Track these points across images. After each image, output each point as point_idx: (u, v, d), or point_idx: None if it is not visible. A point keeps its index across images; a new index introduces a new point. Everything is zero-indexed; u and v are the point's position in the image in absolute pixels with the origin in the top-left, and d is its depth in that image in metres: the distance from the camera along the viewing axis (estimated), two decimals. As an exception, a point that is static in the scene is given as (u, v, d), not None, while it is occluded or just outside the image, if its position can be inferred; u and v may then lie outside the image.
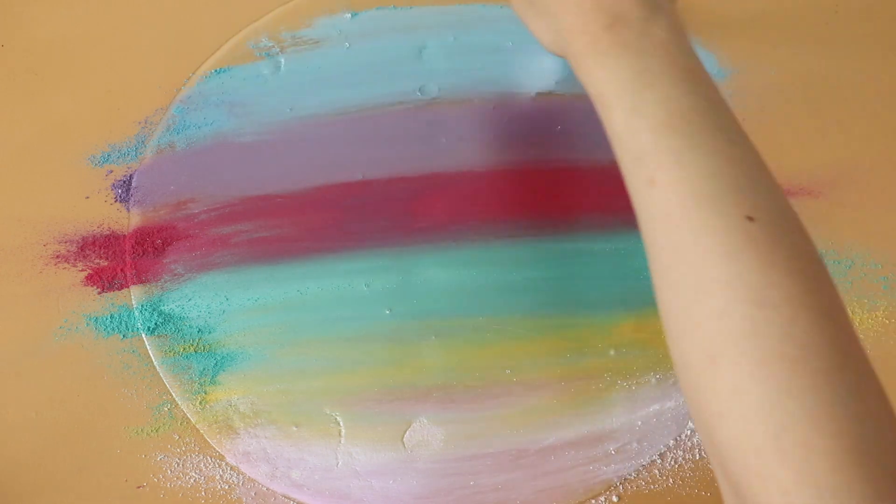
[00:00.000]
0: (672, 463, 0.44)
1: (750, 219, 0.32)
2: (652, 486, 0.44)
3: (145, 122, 0.49)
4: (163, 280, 0.46)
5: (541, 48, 0.50)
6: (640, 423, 0.44)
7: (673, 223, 0.33)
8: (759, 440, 0.29)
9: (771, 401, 0.29)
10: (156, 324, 0.45)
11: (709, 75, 0.37)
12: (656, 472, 0.44)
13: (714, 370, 0.30)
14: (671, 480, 0.44)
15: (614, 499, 0.44)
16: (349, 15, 0.51)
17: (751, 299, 0.30)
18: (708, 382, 0.30)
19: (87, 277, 0.46)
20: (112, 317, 0.45)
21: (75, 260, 0.46)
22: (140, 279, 0.46)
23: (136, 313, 0.45)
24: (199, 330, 0.45)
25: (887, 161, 0.50)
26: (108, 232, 0.47)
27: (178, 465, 0.43)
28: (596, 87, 0.36)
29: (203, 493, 0.43)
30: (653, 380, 0.45)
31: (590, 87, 0.37)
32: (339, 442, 0.44)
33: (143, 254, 0.46)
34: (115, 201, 0.48)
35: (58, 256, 0.46)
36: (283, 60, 0.50)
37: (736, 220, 0.32)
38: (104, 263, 0.46)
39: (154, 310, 0.45)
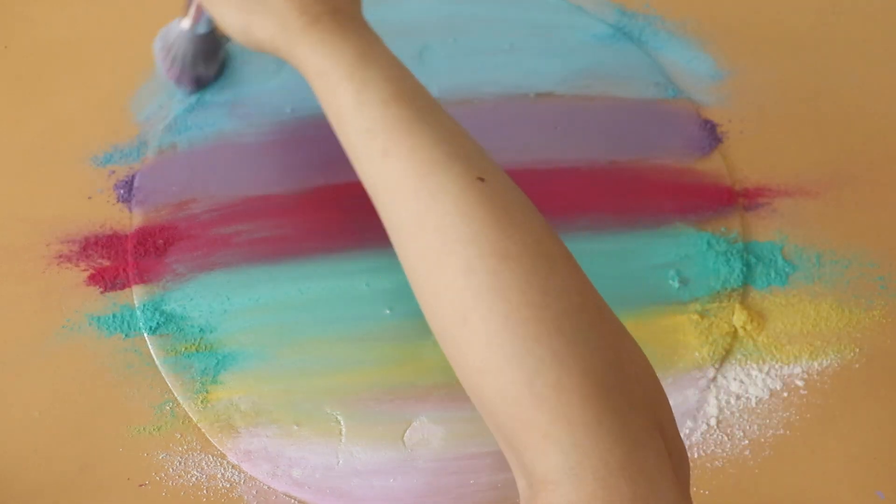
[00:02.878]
0: (671, 461, 0.44)
1: (481, 179, 0.33)
2: (651, 485, 0.44)
3: (147, 123, 0.49)
4: (164, 280, 0.46)
5: (541, 49, 0.51)
6: (638, 421, 0.45)
7: (410, 190, 0.34)
8: (516, 389, 0.30)
9: (522, 349, 0.30)
10: (158, 323, 0.45)
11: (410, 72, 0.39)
12: (655, 470, 0.44)
13: (468, 327, 0.31)
14: (670, 479, 0.44)
15: (613, 497, 0.44)
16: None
17: (493, 253, 0.31)
18: (464, 340, 0.31)
19: (89, 277, 0.46)
20: (114, 316, 0.46)
21: (78, 260, 0.47)
22: (142, 279, 0.46)
23: (139, 313, 0.46)
24: (201, 329, 0.45)
25: (884, 161, 0.50)
26: (110, 232, 0.47)
27: (179, 463, 0.43)
28: (318, 65, 0.37)
29: (205, 492, 0.43)
30: (651, 379, 0.45)
31: (309, 66, 0.38)
32: (340, 441, 0.44)
33: (145, 254, 0.47)
34: (118, 201, 0.48)
35: (60, 256, 0.47)
36: (283, 61, 0.50)
37: (469, 180, 0.33)
38: (106, 263, 0.47)
39: (156, 309, 0.46)
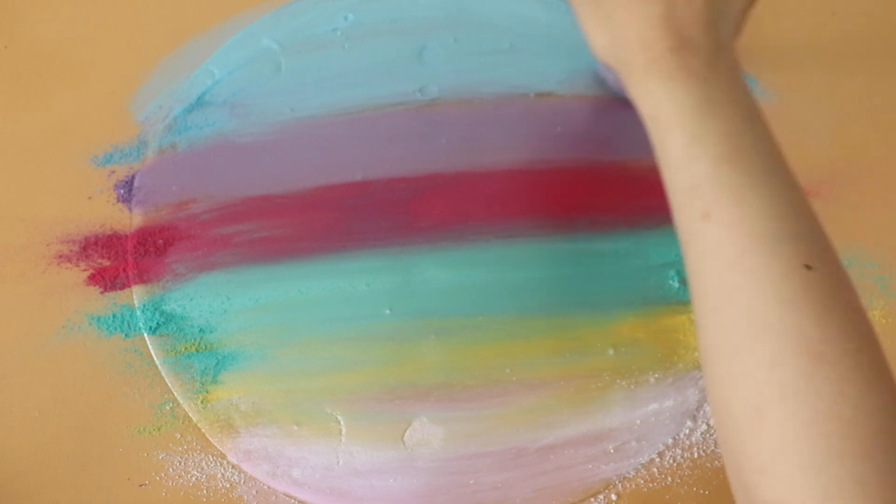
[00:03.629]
0: (671, 461, 0.44)
1: (808, 267, 0.30)
2: (651, 485, 0.44)
3: (147, 123, 0.49)
4: (164, 280, 0.46)
5: (541, 49, 0.51)
6: (639, 421, 0.45)
7: (726, 262, 0.31)
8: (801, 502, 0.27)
9: (819, 463, 0.27)
10: (158, 323, 0.45)
11: (765, 117, 0.36)
12: (655, 470, 0.44)
13: (760, 424, 0.28)
14: (670, 479, 0.44)
15: (613, 497, 0.44)
16: (350, 16, 0.51)
17: (806, 351, 0.28)
18: (752, 436, 0.29)
19: (89, 277, 0.46)
20: (114, 316, 0.46)
21: (78, 260, 0.47)
22: (142, 279, 0.46)
23: (138, 313, 0.46)
24: (201, 329, 0.45)
25: (885, 161, 0.50)
26: (110, 232, 0.47)
27: (179, 463, 0.43)
28: (654, 107, 0.35)
29: (205, 492, 0.43)
30: (652, 379, 0.45)
31: (645, 107, 0.36)
32: (340, 441, 0.44)
33: (145, 254, 0.47)
34: (118, 201, 0.48)
35: (60, 256, 0.47)
36: (283, 61, 0.50)
37: (794, 266, 0.30)
38: (106, 263, 0.47)
39: (156, 309, 0.46)
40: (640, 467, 0.44)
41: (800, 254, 0.31)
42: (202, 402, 0.44)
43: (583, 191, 0.48)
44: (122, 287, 0.46)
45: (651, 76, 0.35)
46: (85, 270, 0.46)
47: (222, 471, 0.43)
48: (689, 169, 0.33)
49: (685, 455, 0.44)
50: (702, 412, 0.45)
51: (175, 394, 0.44)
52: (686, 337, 0.46)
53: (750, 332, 0.29)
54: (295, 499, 0.43)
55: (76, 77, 0.50)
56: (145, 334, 0.45)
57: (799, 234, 0.31)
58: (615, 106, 0.50)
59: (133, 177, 0.48)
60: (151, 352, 0.45)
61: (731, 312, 0.30)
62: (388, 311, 0.46)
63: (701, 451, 0.44)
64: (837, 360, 0.28)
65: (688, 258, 0.34)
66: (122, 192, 0.48)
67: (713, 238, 0.32)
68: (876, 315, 0.47)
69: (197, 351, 0.45)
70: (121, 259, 0.47)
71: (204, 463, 0.43)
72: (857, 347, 0.29)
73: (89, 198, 0.48)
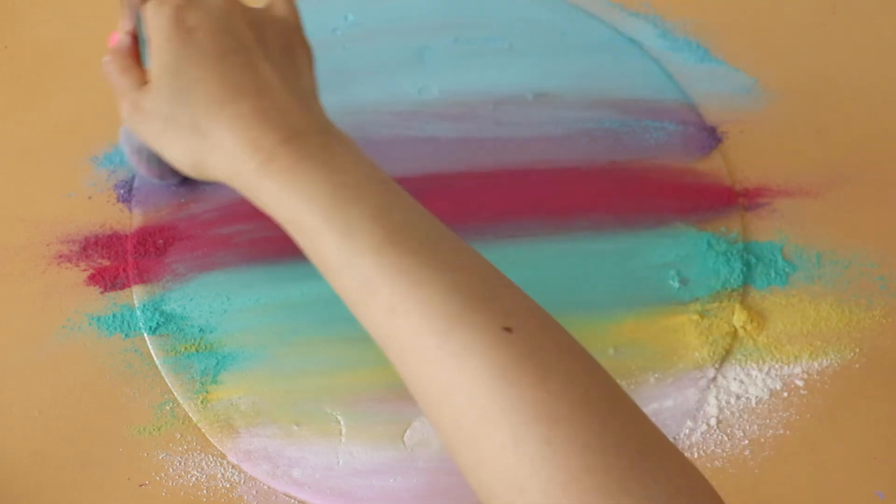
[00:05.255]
0: (671, 461, 0.44)
1: (508, 329, 0.29)
2: (651, 485, 0.44)
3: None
4: (164, 280, 0.46)
5: (541, 49, 0.51)
6: (638, 421, 0.45)
7: (429, 352, 0.29)
8: None
9: None
10: (158, 323, 0.45)
11: (399, 186, 0.33)
12: (655, 470, 0.44)
13: (525, 498, 0.27)
14: (670, 479, 0.44)
15: (613, 497, 0.44)
16: (350, 16, 0.51)
17: (540, 419, 0.27)
18: None
19: (89, 277, 0.46)
20: (114, 316, 0.46)
21: (78, 260, 0.47)
22: (142, 279, 0.46)
23: (138, 313, 0.46)
24: (201, 329, 0.45)
25: (885, 161, 0.50)
26: (110, 232, 0.47)
27: (179, 463, 0.43)
28: (288, 212, 0.32)
29: (205, 492, 0.43)
30: (651, 379, 0.45)
31: (278, 214, 0.33)
32: (340, 441, 0.44)
33: (145, 254, 0.47)
34: (118, 201, 0.48)
35: (60, 256, 0.47)
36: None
37: (495, 334, 0.28)
38: (106, 263, 0.47)
39: (156, 309, 0.46)
40: (640, 467, 0.44)
41: (496, 318, 0.29)
42: (202, 402, 0.44)
43: (583, 191, 0.48)
44: (122, 287, 0.46)
45: (271, 180, 0.32)
46: (85, 270, 0.46)
47: (222, 471, 0.43)
48: (353, 266, 0.31)
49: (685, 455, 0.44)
50: (702, 412, 0.45)
51: (175, 394, 0.44)
52: (686, 337, 0.46)
53: (481, 417, 0.28)
54: (295, 499, 0.43)
55: (76, 77, 0.50)
56: (145, 334, 0.45)
57: (487, 298, 0.30)
58: (615, 106, 0.50)
59: (133, 177, 0.48)
60: (151, 352, 0.45)
61: (454, 402, 0.29)
62: (388, 311, 0.46)
63: (701, 452, 0.44)
64: (570, 415, 0.27)
65: (390, 355, 0.31)
66: (122, 192, 0.48)
67: (405, 330, 0.30)
68: (876, 315, 0.47)
69: (197, 351, 0.45)
70: (121, 259, 0.47)
71: (204, 463, 0.43)
72: (584, 391, 0.28)
73: (89, 198, 0.48)
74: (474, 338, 0.28)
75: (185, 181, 0.47)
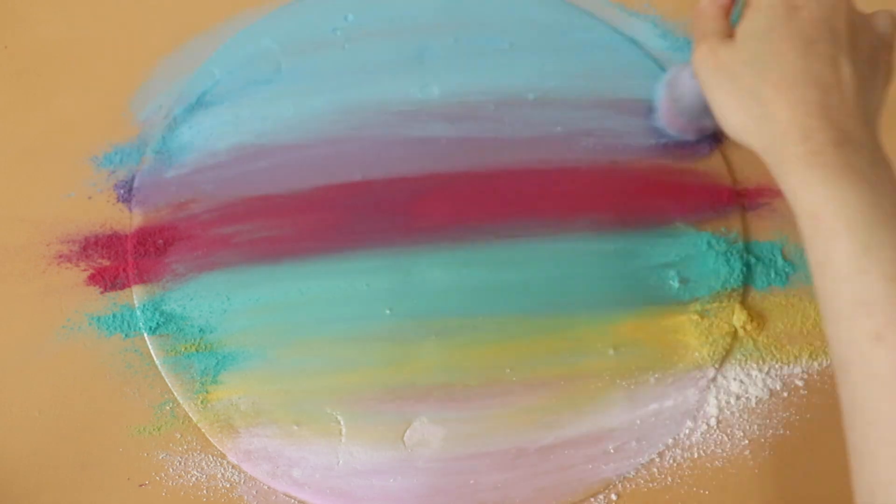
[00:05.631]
0: (671, 461, 0.44)
1: None
2: (651, 485, 0.44)
3: (147, 123, 0.49)
4: (164, 280, 0.46)
5: (541, 49, 0.51)
6: (639, 422, 0.45)
7: None
8: None
9: None
10: (157, 323, 0.45)
11: None
12: (655, 470, 0.44)
13: None
14: (670, 479, 0.44)
15: (613, 497, 0.44)
16: (350, 16, 0.51)
17: None
18: None
19: (89, 277, 0.46)
20: (114, 316, 0.46)
21: (78, 260, 0.47)
22: (142, 279, 0.46)
23: (138, 313, 0.46)
24: (201, 329, 0.45)
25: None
26: (110, 232, 0.47)
27: (179, 463, 0.43)
28: (816, 205, 0.32)
29: (205, 492, 0.43)
30: (651, 379, 0.45)
31: (803, 202, 0.33)
32: (340, 441, 0.44)
33: (145, 254, 0.47)
34: (118, 201, 0.48)
35: (61, 256, 0.47)
36: (283, 61, 0.50)
37: None
38: (106, 263, 0.47)
39: (156, 309, 0.46)
40: (640, 467, 0.44)
41: None
42: (202, 402, 0.44)
43: (583, 191, 0.48)
44: (122, 287, 0.46)
45: (813, 170, 0.32)
46: (85, 270, 0.46)
47: (222, 471, 0.43)
48: (857, 282, 0.30)
49: (685, 455, 0.44)
50: (702, 412, 0.45)
51: (175, 394, 0.44)
52: (686, 337, 0.46)
53: None
54: (295, 499, 0.43)
55: (76, 77, 0.50)
56: (145, 334, 0.45)
57: None
58: (615, 106, 0.50)
59: (133, 177, 0.48)
60: (151, 352, 0.45)
61: None
62: (387, 312, 0.46)
63: (701, 452, 0.44)
64: None
65: (847, 379, 0.31)
66: (122, 192, 0.48)
67: (885, 361, 0.29)
68: (876, 315, 0.47)
69: (197, 351, 0.45)
70: (121, 259, 0.47)
71: (204, 463, 0.43)
72: None
73: (89, 198, 0.48)
74: None
75: (698, 139, 0.48)
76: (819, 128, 0.33)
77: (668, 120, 0.47)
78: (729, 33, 0.38)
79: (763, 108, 0.35)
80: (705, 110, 0.43)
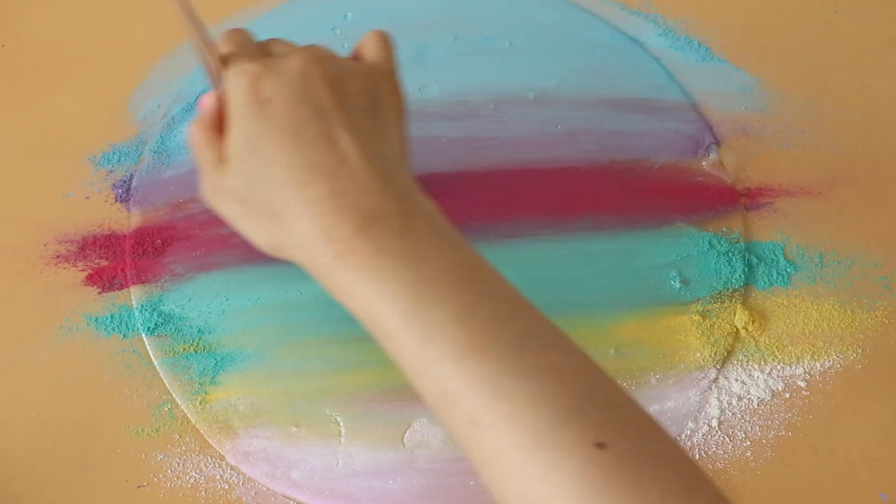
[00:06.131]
0: (672, 463, 0.44)
1: (601, 446, 0.26)
2: (652, 486, 0.44)
3: (145, 123, 0.49)
4: (163, 280, 0.46)
5: (541, 49, 0.51)
6: (639, 423, 0.44)
7: (515, 469, 0.27)
8: None
9: None
10: (156, 324, 0.45)
11: (490, 265, 0.31)
12: (656, 472, 0.44)
13: None
14: (671, 480, 0.44)
15: (614, 499, 0.44)
16: (350, 15, 0.51)
17: None
18: None
19: (87, 277, 0.46)
20: (112, 317, 0.45)
21: (76, 260, 0.46)
22: (140, 279, 0.46)
23: (137, 313, 0.45)
24: (199, 330, 0.45)
25: (887, 161, 0.50)
26: (108, 232, 0.47)
27: (178, 464, 0.43)
28: (365, 311, 0.30)
29: (203, 493, 0.43)
30: (652, 380, 0.45)
31: (354, 309, 0.31)
32: (340, 442, 0.44)
33: (144, 254, 0.46)
34: (116, 201, 0.48)
35: (58, 256, 0.46)
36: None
37: (587, 451, 0.26)
38: (104, 263, 0.46)
39: (154, 310, 0.45)
40: (641, 469, 0.44)
41: (587, 432, 0.27)
42: (201, 403, 0.44)
43: (583, 191, 0.48)
44: (120, 287, 0.46)
45: (346, 273, 0.30)
46: (83, 270, 0.46)
47: (221, 472, 0.43)
48: (432, 374, 0.29)
49: (686, 456, 0.44)
50: (703, 413, 0.45)
51: (173, 395, 0.44)
52: (687, 338, 0.46)
53: None
54: (294, 500, 0.43)
55: (74, 77, 0.50)
56: (143, 335, 0.45)
57: (581, 410, 0.27)
58: (615, 105, 0.50)
59: (131, 177, 0.48)
60: (150, 352, 0.45)
61: None
62: (387, 312, 0.45)
63: (702, 453, 0.44)
64: None
65: (472, 464, 0.29)
66: (120, 191, 0.48)
67: (490, 445, 0.28)
68: (879, 316, 0.46)
69: (195, 352, 0.45)
70: (119, 259, 0.46)
71: (202, 464, 0.43)
72: None
73: (87, 198, 0.48)
74: (564, 455, 0.26)
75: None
76: (336, 224, 0.30)
77: None
78: (225, 157, 0.34)
79: (281, 224, 0.32)
80: None
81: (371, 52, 0.36)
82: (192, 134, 0.35)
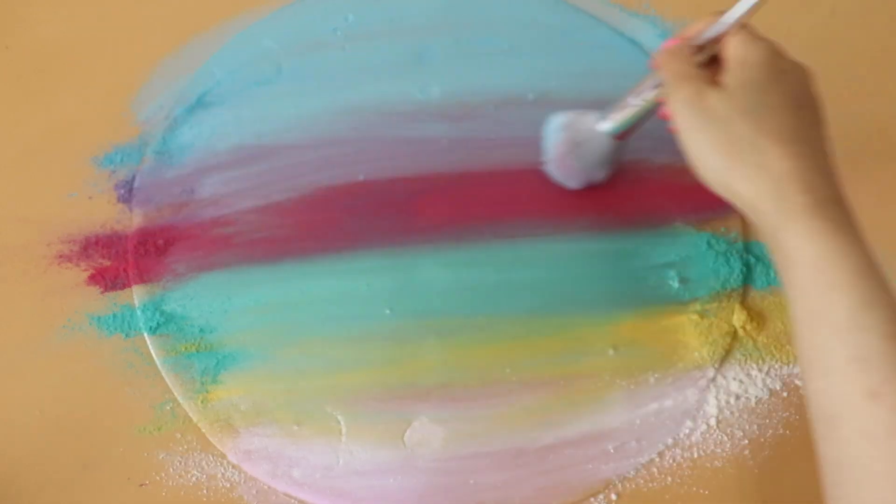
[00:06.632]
0: (670, 461, 0.44)
1: None
2: (650, 485, 0.44)
3: (148, 123, 0.49)
4: (165, 280, 0.46)
5: (541, 49, 0.51)
6: (638, 421, 0.45)
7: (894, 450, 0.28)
8: None
9: None
10: (158, 323, 0.45)
11: None
12: (655, 470, 0.44)
13: None
14: (669, 479, 0.44)
15: (613, 497, 0.44)
16: (350, 16, 0.51)
17: None
18: None
19: (90, 277, 0.46)
20: (115, 316, 0.46)
21: (78, 260, 0.47)
22: (142, 279, 0.46)
23: (139, 313, 0.46)
24: (201, 329, 0.45)
25: (885, 161, 0.50)
26: (110, 232, 0.47)
27: (180, 463, 0.43)
28: (818, 256, 0.32)
29: (205, 492, 0.43)
30: (651, 379, 0.45)
31: (802, 251, 0.32)
32: (340, 441, 0.44)
33: (146, 253, 0.47)
34: (118, 201, 0.48)
35: (61, 256, 0.47)
36: (283, 61, 0.50)
37: None
38: (107, 263, 0.47)
39: (156, 309, 0.46)
40: (640, 467, 0.44)
41: None
42: (202, 401, 0.44)
43: (583, 191, 0.48)
44: (123, 287, 0.46)
45: (816, 222, 0.32)
46: (85, 270, 0.46)
47: (222, 471, 0.43)
48: (855, 338, 0.30)
49: (685, 455, 0.44)
50: (702, 412, 0.45)
51: (175, 394, 0.44)
52: (686, 337, 0.46)
53: None
54: (295, 499, 0.43)
55: (77, 77, 0.50)
56: (146, 334, 0.45)
57: None
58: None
59: (134, 177, 0.48)
60: (152, 352, 0.45)
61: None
62: (388, 311, 0.46)
63: (701, 451, 0.44)
64: None
65: (835, 435, 0.30)
66: (122, 192, 0.48)
67: (878, 419, 0.29)
68: (876, 315, 0.47)
69: (197, 351, 0.45)
70: (121, 259, 0.47)
71: (204, 463, 0.43)
72: None
73: (90, 198, 0.48)
74: None
75: (580, 187, 0.48)
76: (820, 184, 0.33)
77: (559, 163, 0.46)
78: (713, 79, 0.37)
79: (760, 156, 0.34)
80: (602, 162, 0.45)
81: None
82: (680, 46, 0.38)
